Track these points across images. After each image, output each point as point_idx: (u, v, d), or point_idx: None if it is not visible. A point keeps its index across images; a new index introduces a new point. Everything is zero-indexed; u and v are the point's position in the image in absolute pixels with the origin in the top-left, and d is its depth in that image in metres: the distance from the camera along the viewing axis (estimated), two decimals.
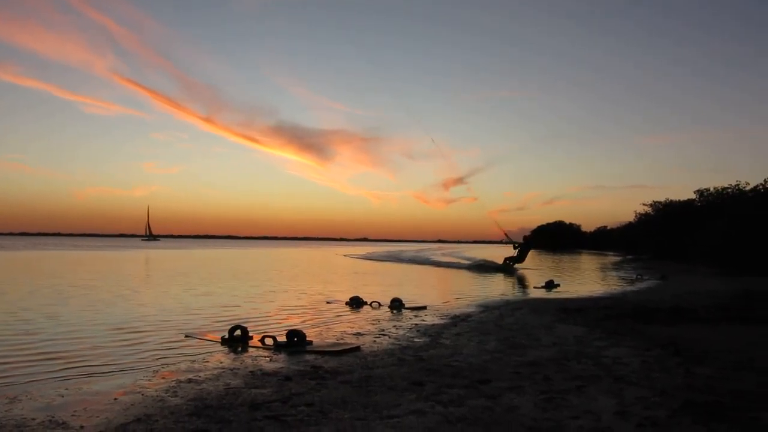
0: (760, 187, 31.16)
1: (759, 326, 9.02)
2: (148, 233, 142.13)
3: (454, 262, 36.19)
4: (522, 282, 21.48)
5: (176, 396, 4.88)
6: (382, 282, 20.52)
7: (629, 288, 18.72)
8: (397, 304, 11.81)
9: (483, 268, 30.16)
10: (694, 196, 44.04)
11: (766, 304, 12.50)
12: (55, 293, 14.20)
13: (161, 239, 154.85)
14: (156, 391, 5.08)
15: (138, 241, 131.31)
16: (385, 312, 11.30)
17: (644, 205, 53.74)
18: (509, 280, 22.56)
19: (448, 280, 22.58)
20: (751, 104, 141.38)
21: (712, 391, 4.90)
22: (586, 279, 23.97)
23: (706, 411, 4.27)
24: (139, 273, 23.89)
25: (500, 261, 31.02)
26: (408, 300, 12.58)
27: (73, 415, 4.35)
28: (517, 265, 30.21)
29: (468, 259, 39.27)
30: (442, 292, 16.73)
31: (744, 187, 36.22)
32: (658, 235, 44.47)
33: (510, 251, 30.66)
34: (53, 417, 4.30)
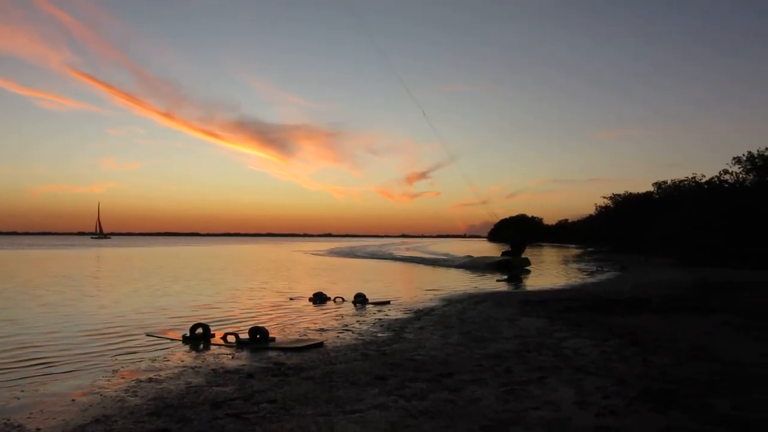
0: (716, 179, 31.89)
1: (712, 315, 9.24)
2: (98, 231, 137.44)
3: (441, 259, 33.61)
4: (484, 275, 21.65)
5: (136, 396, 4.81)
6: (345, 278, 20.51)
7: (589, 280, 19.03)
8: (360, 300, 11.83)
9: (482, 267, 25.78)
10: (652, 189, 44.86)
11: (719, 294, 12.83)
12: (9, 294, 13.88)
13: (112, 237, 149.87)
14: (115, 391, 5.00)
15: (87, 239, 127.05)
16: (348, 307, 11.31)
17: (604, 198, 54.53)
18: (472, 274, 22.62)
19: (411, 274, 22.64)
20: (707, 101, 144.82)
21: (668, 379, 5.02)
22: (548, 272, 24.26)
23: (662, 399, 4.37)
24: (96, 272, 23.46)
25: (488, 256, 29.00)
26: (372, 295, 12.59)
27: (29, 418, 4.26)
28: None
29: (440, 255, 37.72)
30: (405, 287, 16.79)
31: (700, 180, 37.02)
32: (618, 228, 45.23)
33: (480, 246, 30.25)
34: (8, 420, 4.20)
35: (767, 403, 4.26)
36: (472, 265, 26.78)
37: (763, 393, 4.55)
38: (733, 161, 30.50)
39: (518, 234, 29.92)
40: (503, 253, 28.20)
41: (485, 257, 29.86)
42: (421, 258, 34.41)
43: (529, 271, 21.57)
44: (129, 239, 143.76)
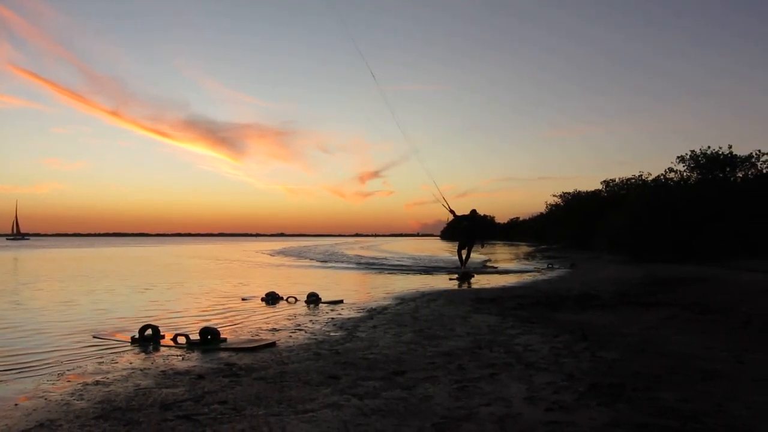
0: (662, 177, 32.73)
1: (658, 310, 9.48)
2: (15, 231, 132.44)
3: (418, 265, 26.73)
4: (436, 274, 21.76)
5: (82, 399, 4.69)
6: (298, 277, 20.39)
7: (540, 277, 19.28)
8: (313, 299, 11.77)
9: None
10: (601, 187, 45.78)
11: (666, 289, 13.16)
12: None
13: (30, 238, 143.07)
14: (60, 394, 4.87)
15: (4, 240, 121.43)
16: (301, 307, 11.24)
17: (554, 196, 55.51)
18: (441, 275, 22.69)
19: (364, 273, 22.61)
20: (653, 101, 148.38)
21: (616, 373, 5.12)
22: (496, 267, 24.48)
23: (610, 393, 4.45)
24: (30, 273, 22.81)
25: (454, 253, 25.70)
26: (324, 294, 12.54)
27: None
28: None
29: (406, 257, 35.07)
30: (358, 286, 16.77)
31: (647, 178, 37.97)
32: (568, 225, 46.03)
33: (434, 245, 29.06)
34: None
35: (711, 394, 4.39)
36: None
37: (708, 385, 4.68)
38: (677, 160, 31.41)
39: (473, 225, 23.91)
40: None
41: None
42: (386, 262, 29.68)
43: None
44: (49, 240, 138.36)
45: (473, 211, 22.97)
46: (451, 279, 18.64)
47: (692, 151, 30.67)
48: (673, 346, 6.46)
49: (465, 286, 16.10)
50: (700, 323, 8.12)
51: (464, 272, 19.93)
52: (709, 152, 30.08)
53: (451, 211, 22.15)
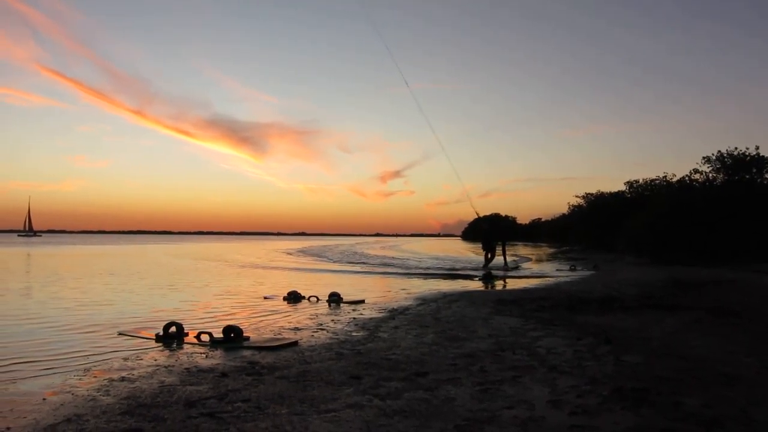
0: (686, 178, 32.34)
1: (682, 313, 9.39)
2: (27, 228, 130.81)
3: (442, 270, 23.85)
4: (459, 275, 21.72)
5: (108, 395, 4.76)
6: (319, 277, 20.45)
7: (562, 279, 19.16)
8: (335, 299, 11.80)
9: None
10: (624, 188, 45.33)
11: (689, 291, 13.03)
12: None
13: (42, 235, 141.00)
14: (87, 390, 4.94)
15: (35, 237, 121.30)
16: (323, 306, 11.28)
17: (577, 197, 54.99)
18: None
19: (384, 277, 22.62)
20: (675, 101, 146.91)
21: (639, 377, 5.09)
22: (522, 270, 24.37)
23: (634, 397, 4.43)
24: (56, 270, 23.11)
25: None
26: (346, 294, 12.58)
27: None
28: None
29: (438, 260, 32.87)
30: (379, 286, 16.78)
31: (671, 179, 37.53)
32: (590, 226, 45.65)
33: (456, 245, 28.86)
34: None
35: (735, 399, 4.35)
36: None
37: (731, 390, 4.64)
38: (703, 161, 30.96)
39: (493, 228, 24.07)
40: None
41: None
42: (407, 263, 28.32)
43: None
44: (64, 237, 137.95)
45: (495, 215, 22.84)
46: (476, 280, 18.59)
47: (719, 152, 30.20)
48: (696, 350, 6.40)
49: (488, 288, 16.06)
50: (723, 327, 8.03)
51: (486, 274, 19.83)
52: (735, 153, 29.61)
53: (477, 214, 22.21)
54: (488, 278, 18.60)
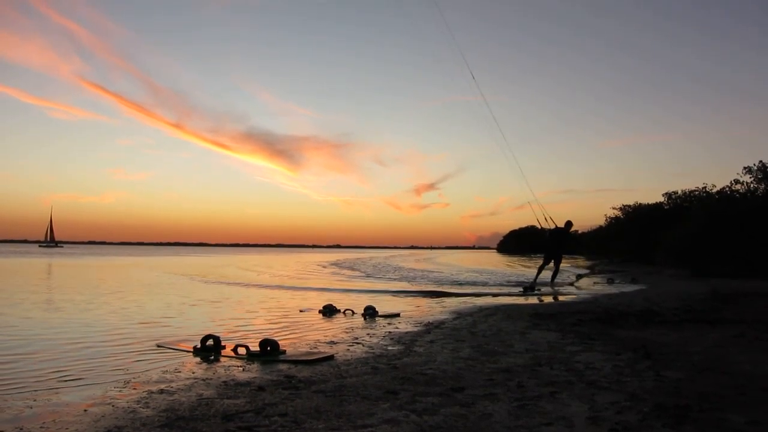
0: (726, 189, 31.72)
1: (724, 327, 9.18)
2: (48, 238, 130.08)
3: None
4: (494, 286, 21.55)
5: (148, 407, 4.82)
6: (354, 288, 20.48)
7: (600, 292, 18.90)
8: (370, 312, 11.81)
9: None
10: (662, 199, 44.65)
11: (732, 305, 12.74)
12: (12, 303, 13.94)
13: (63, 246, 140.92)
14: (127, 402, 5.02)
15: (68, 247, 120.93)
16: (358, 320, 11.30)
17: (614, 208, 54.30)
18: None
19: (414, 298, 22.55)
20: (718, 108, 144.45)
21: (681, 393, 4.98)
22: (559, 283, 24.08)
23: (675, 414, 4.34)
24: (97, 282, 23.51)
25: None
26: (381, 307, 12.58)
27: (42, 427, 4.28)
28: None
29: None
30: (414, 299, 16.72)
31: (711, 190, 36.83)
32: (628, 239, 45.02)
33: (491, 258, 27.67)
34: (22, 429, 4.23)
35: None
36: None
37: None
38: (744, 171, 30.33)
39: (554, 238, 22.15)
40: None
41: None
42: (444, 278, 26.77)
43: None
44: (85, 248, 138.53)
45: (568, 222, 22.04)
46: (511, 293, 18.42)
47: (760, 162, 29.58)
48: (740, 365, 6.25)
49: (529, 301, 15.89)
50: None
51: (529, 286, 19.57)
52: None
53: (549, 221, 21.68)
54: (530, 291, 18.43)
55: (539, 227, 22.38)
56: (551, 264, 22.24)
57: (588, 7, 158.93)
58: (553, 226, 21.83)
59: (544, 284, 20.89)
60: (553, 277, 22.39)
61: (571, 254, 24.62)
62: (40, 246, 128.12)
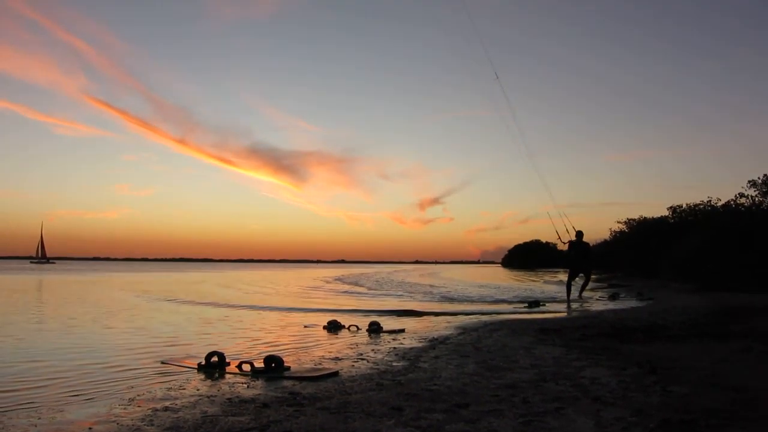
0: (732, 203, 31.64)
1: (731, 342, 9.13)
2: (39, 254, 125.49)
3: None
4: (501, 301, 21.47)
5: (152, 425, 4.81)
6: (358, 304, 20.45)
7: (606, 306, 18.83)
8: (375, 328, 11.78)
9: None
10: (667, 213, 44.53)
11: (739, 319, 12.67)
12: (16, 320, 13.95)
13: (56, 262, 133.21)
14: (131, 419, 5.01)
15: (69, 264, 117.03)
16: (363, 336, 11.27)
17: (619, 222, 54.16)
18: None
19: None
20: (723, 122, 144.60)
21: (687, 409, 4.95)
22: (564, 297, 23.99)
23: (682, 429, 4.31)
24: (101, 298, 23.51)
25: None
26: (385, 323, 12.55)
27: None
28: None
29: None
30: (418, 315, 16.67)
31: (716, 204, 36.72)
32: (634, 253, 44.87)
33: (496, 272, 27.16)
34: None
35: None
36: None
37: None
38: (749, 184, 30.25)
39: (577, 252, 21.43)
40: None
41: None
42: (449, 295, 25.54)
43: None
44: (77, 264, 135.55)
45: (578, 233, 21.45)
46: (516, 308, 18.34)
47: (765, 175, 29.50)
48: (748, 380, 6.21)
49: (535, 316, 15.83)
50: None
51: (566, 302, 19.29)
52: None
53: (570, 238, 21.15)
54: (533, 304, 18.37)
55: (562, 241, 21.96)
56: (576, 277, 21.87)
57: (594, 19, 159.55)
58: (572, 238, 21.51)
59: (560, 299, 20.74)
60: (582, 289, 22.06)
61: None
62: (31, 262, 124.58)
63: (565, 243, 21.90)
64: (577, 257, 22.15)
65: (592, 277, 25.51)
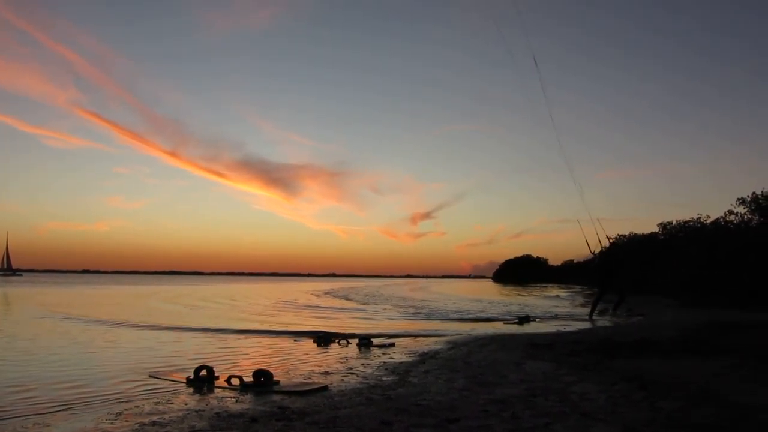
0: (721, 220, 31.82)
1: (720, 358, 9.15)
2: (5, 266, 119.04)
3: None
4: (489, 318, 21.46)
5: None
6: (347, 318, 20.41)
7: (597, 321, 18.85)
8: (365, 342, 11.75)
9: None
10: (657, 229, 44.69)
11: (728, 335, 12.70)
12: (4, 333, 13.85)
13: (23, 274, 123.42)
14: None
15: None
16: (353, 350, 11.24)
17: (609, 238, 54.29)
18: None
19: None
20: (712, 139, 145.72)
21: (676, 425, 4.96)
22: (556, 312, 24.04)
23: None
24: (91, 308, 23.35)
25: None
26: (375, 337, 12.52)
27: None
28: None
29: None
30: (407, 328, 16.65)
31: (705, 221, 36.91)
32: (624, 269, 44.92)
33: (487, 286, 25.61)
34: None
35: None
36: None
37: None
38: (738, 202, 30.48)
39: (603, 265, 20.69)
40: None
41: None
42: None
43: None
44: (48, 276, 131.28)
45: (611, 245, 20.40)
46: (506, 323, 18.33)
47: (753, 193, 29.77)
48: (737, 396, 6.22)
49: (525, 331, 15.82)
50: (765, 373, 7.80)
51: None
52: None
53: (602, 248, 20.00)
54: (524, 320, 18.36)
55: (591, 251, 20.94)
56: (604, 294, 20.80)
57: (577, 35, 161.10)
58: (599, 248, 20.63)
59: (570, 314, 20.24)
60: (616, 306, 21.22)
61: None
62: None
63: (593, 252, 21.06)
64: (599, 272, 21.31)
65: (585, 291, 24.86)
